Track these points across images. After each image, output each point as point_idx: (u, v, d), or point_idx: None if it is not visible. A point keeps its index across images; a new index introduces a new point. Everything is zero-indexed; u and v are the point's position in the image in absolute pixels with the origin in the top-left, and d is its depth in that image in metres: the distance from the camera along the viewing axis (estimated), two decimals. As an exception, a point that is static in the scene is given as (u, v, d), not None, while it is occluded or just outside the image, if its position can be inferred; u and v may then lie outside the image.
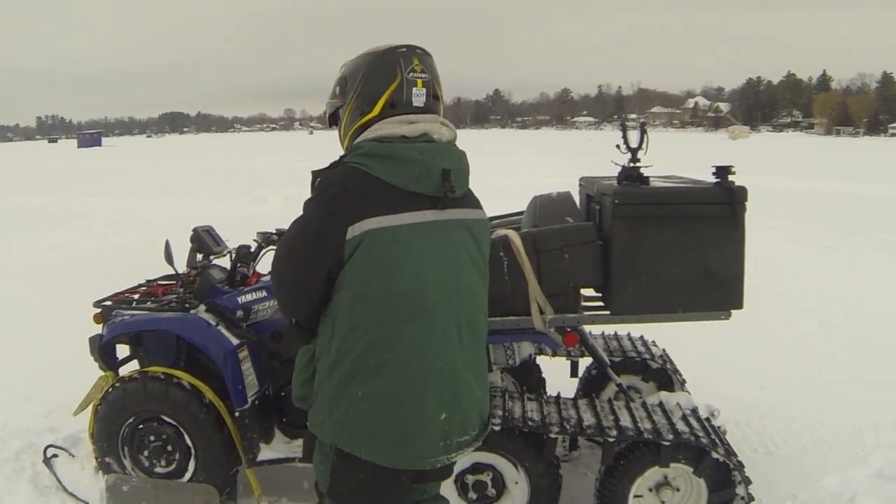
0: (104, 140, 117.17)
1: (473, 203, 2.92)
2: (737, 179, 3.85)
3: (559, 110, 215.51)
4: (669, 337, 5.61)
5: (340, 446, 2.78)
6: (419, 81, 2.79)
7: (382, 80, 2.79)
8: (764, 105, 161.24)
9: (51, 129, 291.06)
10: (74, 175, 36.70)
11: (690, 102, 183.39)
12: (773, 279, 10.44)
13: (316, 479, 3.00)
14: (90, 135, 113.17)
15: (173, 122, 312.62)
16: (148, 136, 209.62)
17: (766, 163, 35.48)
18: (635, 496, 3.87)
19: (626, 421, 3.87)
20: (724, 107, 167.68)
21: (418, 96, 2.79)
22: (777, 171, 28.92)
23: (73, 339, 5.77)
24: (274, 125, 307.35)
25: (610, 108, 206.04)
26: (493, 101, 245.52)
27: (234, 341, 4.32)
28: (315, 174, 2.79)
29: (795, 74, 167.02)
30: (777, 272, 10.98)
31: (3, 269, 12.26)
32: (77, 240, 15.10)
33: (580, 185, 4.59)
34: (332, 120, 3.04)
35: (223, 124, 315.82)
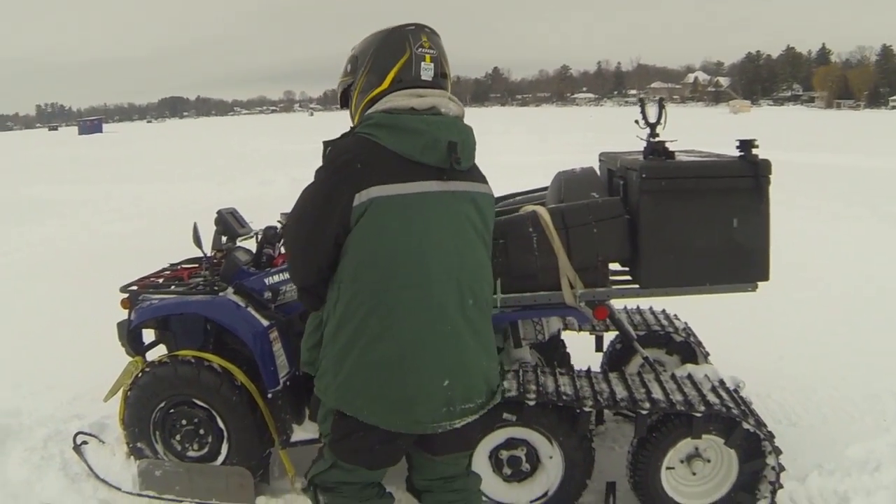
0: (105, 126, 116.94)
1: (479, 177, 3.02)
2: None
3: (559, 87, 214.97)
4: (687, 310, 5.65)
5: (343, 409, 2.90)
6: (427, 57, 2.92)
7: (392, 55, 2.92)
8: (764, 79, 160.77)
9: (50, 116, 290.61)
10: (80, 162, 36.76)
11: (690, 77, 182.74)
12: (787, 251, 10.46)
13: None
14: (90, 122, 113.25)
15: (173, 107, 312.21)
16: (148, 122, 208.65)
17: (768, 137, 35.40)
18: (667, 468, 3.90)
19: (657, 393, 3.90)
20: (724, 81, 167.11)
21: (426, 70, 2.92)
22: (780, 145, 28.89)
23: (92, 327, 5.84)
24: (274, 107, 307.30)
25: (610, 84, 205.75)
26: (492, 79, 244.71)
27: (265, 322, 4.32)
28: (326, 144, 2.90)
29: (795, 48, 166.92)
30: (790, 244, 11.01)
31: (18, 258, 12.33)
32: (89, 227, 15.19)
33: (600, 160, 4.62)
34: (343, 97, 3.15)
35: (223, 108, 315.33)
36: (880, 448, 4.61)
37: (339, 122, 3.28)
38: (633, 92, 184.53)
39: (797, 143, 30.43)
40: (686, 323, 5.41)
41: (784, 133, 40.39)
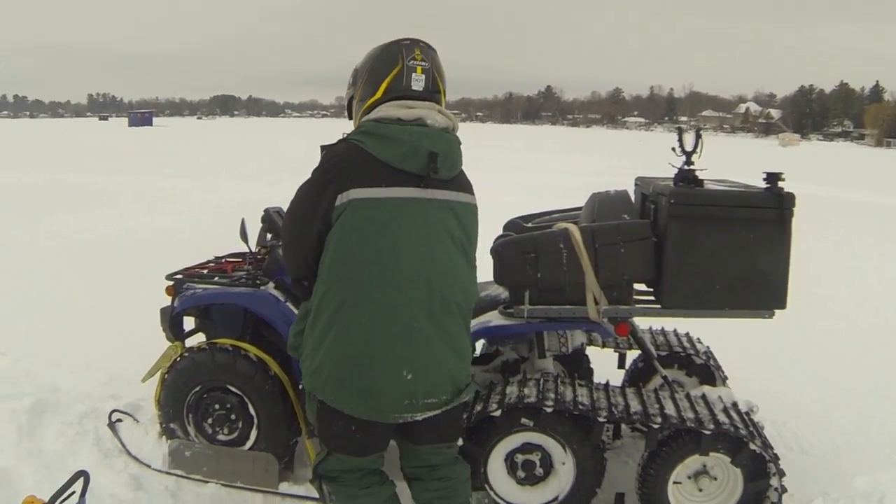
0: (155, 120, 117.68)
1: (464, 188, 3.21)
2: (786, 186, 4.02)
3: (610, 109, 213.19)
4: (713, 334, 5.77)
5: (315, 393, 3.14)
6: (419, 68, 3.13)
7: (385, 66, 3.14)
8: (815, 114, 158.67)
9: (102, 106, 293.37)
10: (130, 154, 37.26)
11: (742, 107, 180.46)
12: (818, 283, 10.54)
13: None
14: (141, 114, 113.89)
15: (224, 105, 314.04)
16: (198, 118, 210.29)
17: (813, 171, 35.22)
18: (675, 482, 4.01)
19: (670, 409, 4.03)
20: (775, 113, 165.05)
21: (417, 81, 3.13)
22: (825, 180, 28.77)
23: (134, 312, 6.05)
24: (325, 112, 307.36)
25: (661, 109, 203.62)
26: (544, 97, 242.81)
27: (301, 317, 4.50)
28: (322, 148, 3.15)
29: (848, 84, 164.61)
30: (823, 276, 11.08)
31: (65, 243, 12.63)
32: (137, 218, 15.55)
33: (636, 184, 4.76)
34: (349, 107, 3.39)
35: (274, 109, 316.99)
36: (887, 481, 4.68)
37: None
38: (684, 118, 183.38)
39: (840, 180, 30.29)
40: (708, 347, 5.51)
41: (830, 168, 40.19)
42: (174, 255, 5.32)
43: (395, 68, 3.13)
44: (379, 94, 3.15)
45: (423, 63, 3.15)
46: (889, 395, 6.27)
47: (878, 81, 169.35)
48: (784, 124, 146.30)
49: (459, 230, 3.14)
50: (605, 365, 5.46)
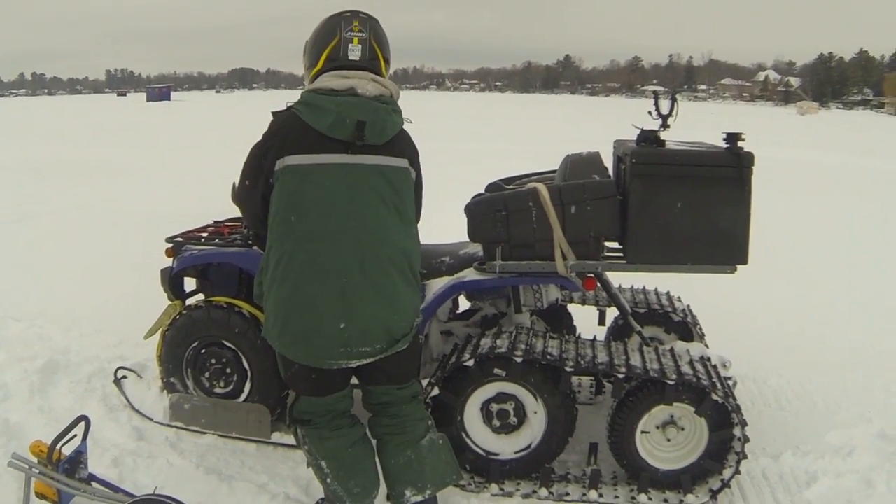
0: (173, 95, 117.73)
1: (396, 152, 3.46)
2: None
3: (629, 78, 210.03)
4: (704, 296, 6.06)
5: (266, 339, 3.48)
6: (355, 39, 3.40)
7: (325, 38, 3.43)
8: (835, 81, 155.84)
9: (119, 82, 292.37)
10: (147, 128, 37.46)
11: (761, 75, 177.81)
12: (814, 249, 10.72)
13: None
14: (159, 89, 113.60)
15: (242, 78, 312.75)
16: (217, 92, 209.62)
17: (829, 140, 35.03)
18: (642, 432, 4.18)
19: (635, 360, 4.19)
20: (794, 81, 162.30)
21: (353, 52, 3.40)
22: (839, 149, 28.64)
23: (143, 280, 6.26)
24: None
25: (680, 77, 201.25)
26: (563, 66, 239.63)
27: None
28: (272, 114, 3.44)
29: (868, 52, 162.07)
30: (823, 242, 11.24)
31: (79, 214, 12.93)
32: (149, 190, 15.86)
33: (613, 146, 4.93)
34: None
35: (293, 81, 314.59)
36: (858, 436, 4.79)
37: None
38: (703, 87, 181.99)
39: (857, 148, 30.14)
40: (687, 305, 5.69)
41: (846, 137, 39.93)
42: (188, 224, 5.52)
43: (334, 40, 3.41)
44: (320, 65, 3.45)
45: (360, 34, 3.40)
46: (867, 358, 6.41)
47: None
48: (803, 92, 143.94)
49: (390, 192, 3.39)
50: (589, 322, 5.63)
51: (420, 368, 4.28)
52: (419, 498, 3.65)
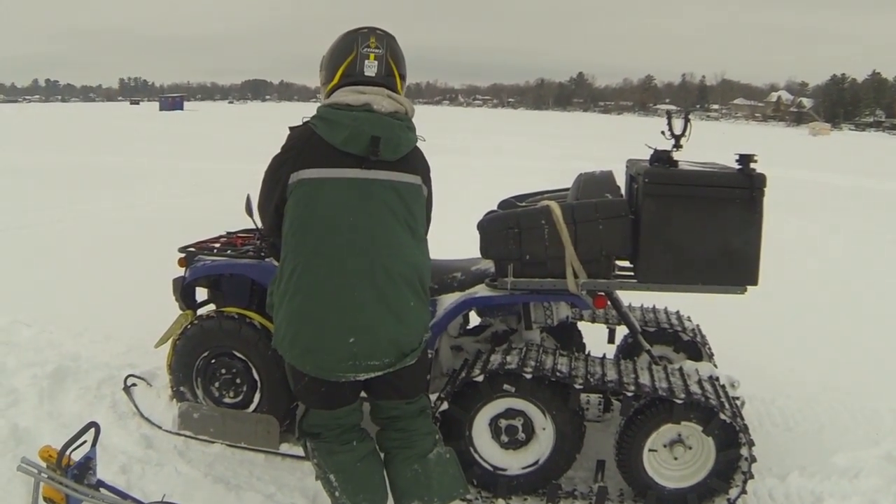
0: (186, 104, 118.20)
1: (409, 169, 3.48)
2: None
3: (642, 97, 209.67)
4: (712, 314, 6.03)
5: (277, 349, 3.51)
6: (371, 55, 3.43)
7: (342, 54, 3.47)
8: (847, 103, 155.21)
9: (133, 90, 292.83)
10: (160, 137, 37.59)
11: (773, 96, 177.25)
12: (824, 270, 10.71)
13: None
14: (172, 98, 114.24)
15: (255, 90, 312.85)
16: (230, 103, 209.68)
17: (841, 161, 35.00)
18: (650, 450, 4.20)
19: (644, 379, 4.21)
20: (807, 102, 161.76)
21: (370, 67, 3.44)
22: (846, 170, 28.61)
23: (154, 288, 6.30)
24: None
25: (693, 97, 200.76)
26: (576, 83, 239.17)
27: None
28: (289, 129, 3.47)
29: (881, 74, 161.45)
30: (829, 262, 11.24)
31: (91, 221, 12.98)
32: (161, 198, 15.92)
33: (626, 166, 4.95)
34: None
35: (306, 94, 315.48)
36: (866, 458, 4.80)
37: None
38: (716, 107, 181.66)
39: (865, 170, 30.11)
40: (697, 325, 5.70)
41: (856, 158, 39.91)
42: (199, 233, 5.56)
43: (351, 55, 3.45)
44: (336, 80, 3.49)
45: (377, 50, 3.44)
46: (875, 378, 6.41)
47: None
48: (816, 113, 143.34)
49: (402, 208, 3.42)
50: (599, 340, 5.63)
51: (429, 383, 4.32)
52: None
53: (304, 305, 3.35)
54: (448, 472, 3.73)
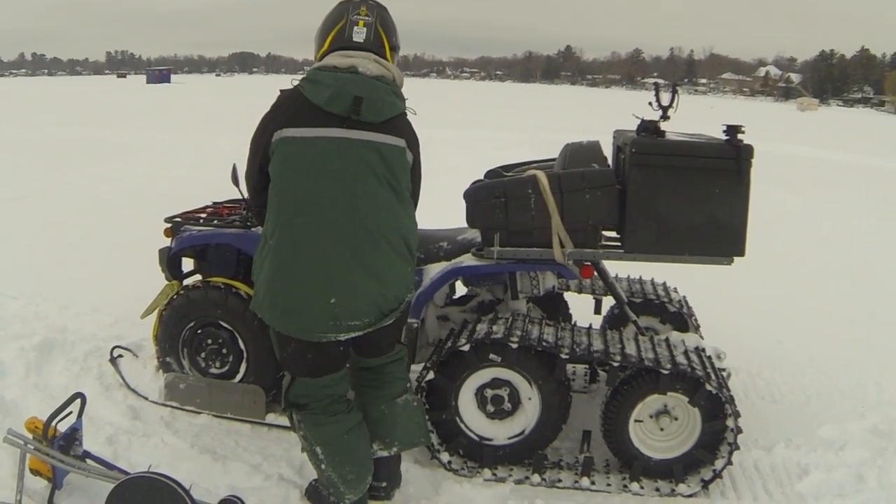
0: (173, 77, 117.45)
1: (394, 131, 3.49)
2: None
3: (630, 70, 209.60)
4: (700, 288, 6.05)
5: (255, 311, 3.51)
6: (360, 22, 3.49)
7: (333, 21, 3.54)
8: (835, 79, 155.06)
9: (120, 64, 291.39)
10: (146, 110, 37.39)
11: (762, 71, 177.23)
12: (811, 243, 10.75)
13: None
14: (159, 71, 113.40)
15: (243, 62, 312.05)
16: (217, 75, 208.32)
17: (827, 136, 35.04)
18: (636, 420, 4.20)
19: (630, 349, 4.21)
20: (795, 77, 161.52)
21: (358, 34, 3.49)
22: (832, 145, 28.66)
23: (137, 258, 6.28)
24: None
25: (681, 71, 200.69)
26: (564, 57, 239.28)
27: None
28: (280, 91, 3.51)
29: (869, 50, 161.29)
30: (816, 236, 11.28)
31: (79, 194, 12.90)
32: (148, 170, 15.84)
33: (613, 136, 4.94)
34: None
35: (293, 66, 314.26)
36: (851, 431, 4.84)
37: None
38: (704, 81, 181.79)
39: (851, 145, 30.17)
40: (683, 296, 5.71)
41: (843, 133, 39.96)
42: (186, 205, 5.53)
43: (340, 22, 3.50)
44: (326, 46, 3.53)
45: (366, 18, 3.49)
46: (861, 352, 6.44)
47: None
48: (804, 89, 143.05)
49: (384, 168, 3.41)
50: (585, 311, 5.65)
51: (415, 353, 4.37)
52: (385, 453, 3.78)
53: (284, 264, 3.36)
54: (413, 419, 3.83)
